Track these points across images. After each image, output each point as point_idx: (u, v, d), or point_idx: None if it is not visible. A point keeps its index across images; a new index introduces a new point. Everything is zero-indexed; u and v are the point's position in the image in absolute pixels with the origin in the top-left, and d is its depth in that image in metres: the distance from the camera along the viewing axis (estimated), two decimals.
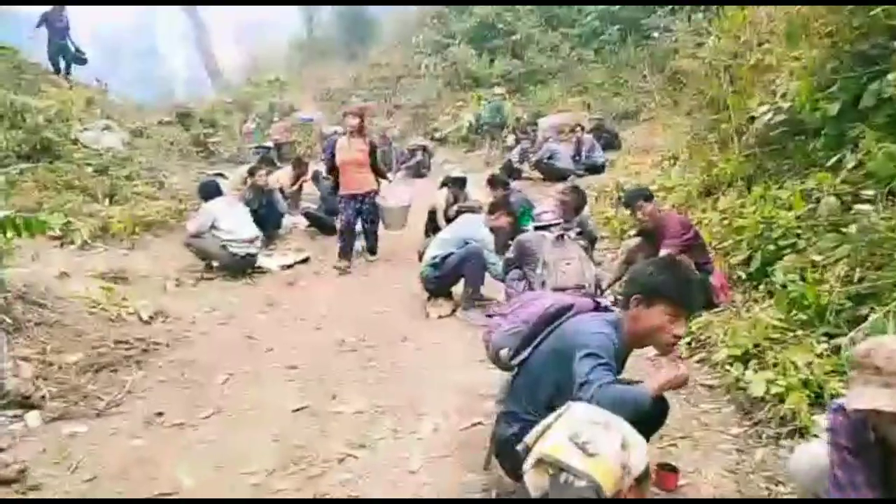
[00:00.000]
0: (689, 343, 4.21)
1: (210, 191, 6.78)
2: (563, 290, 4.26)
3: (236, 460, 3.11)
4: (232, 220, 6.45)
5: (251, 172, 7.98)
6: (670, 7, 16.98)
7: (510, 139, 13.77)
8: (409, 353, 4.55)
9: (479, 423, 3.39)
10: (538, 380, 2.44)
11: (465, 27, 19.97)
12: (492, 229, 5.43)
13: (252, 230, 6.56)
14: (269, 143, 18.25)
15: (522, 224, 7.24)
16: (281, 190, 9.09)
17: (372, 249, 7.29)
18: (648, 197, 5.00)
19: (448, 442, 3.25)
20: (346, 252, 6.93)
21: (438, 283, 5.39)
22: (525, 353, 2.57)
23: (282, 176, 9.52)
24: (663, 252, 4.50)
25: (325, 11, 26.98)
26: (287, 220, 8.03)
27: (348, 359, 4.46)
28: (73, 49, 12.97)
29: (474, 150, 16.57)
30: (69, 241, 6.66)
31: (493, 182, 7.49)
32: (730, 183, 6.78)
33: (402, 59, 20.54)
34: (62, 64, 12.88)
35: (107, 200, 7.84)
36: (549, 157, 11.24)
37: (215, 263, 6.48)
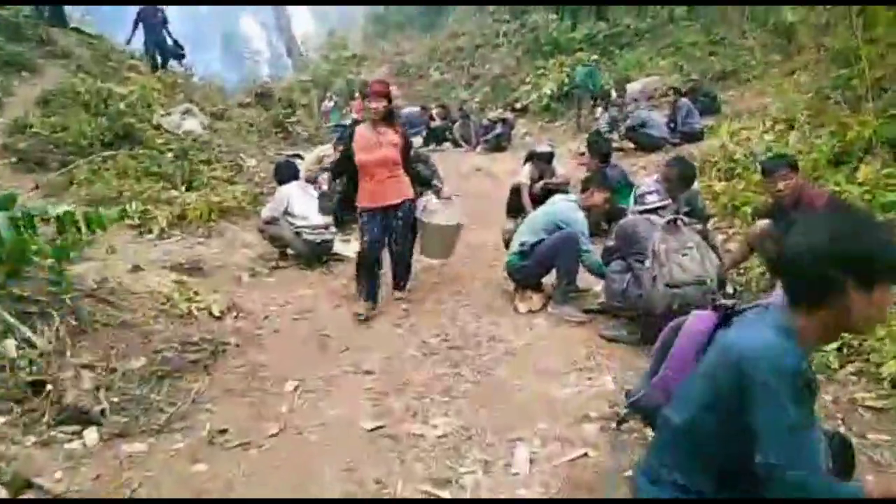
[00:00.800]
0: (839, 349, 3.44)
1: (285, 173, 6.42)
2: (677, 286, 3.58)
3: (304, 492, 2.69)
4: (305, 206, 6.06)
5: (335, 147, 7.58)
6: None
7: (599, 109, 12.83)
8: (498, 357, 3.99)
9: (586, 454, 2.82)
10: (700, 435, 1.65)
11: None
12: (585, 209, 4.75)
13: (324, 216, 6.16)
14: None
15: (620, 202, 6.55)
16: None
17: (401, 281, 5.28)
18: (794, 166, 4.17)
19: (548, 478, 2.69)
20: (369, 292, 4.92)
21: (527, 272, 4.79)
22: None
23: None
24: None
25: None
26: None
27: (429, 364, 3.96)
28: (171, 43, 12.85)
29: (556, 121, 15.71)
30: (147, 229, 6.51)
31: (591, 148, 6.76)
32: (867, 149, 5.79)
33: (480, 27, 19.76)
34: (159, 59, 12.79)
35: (185, 186, 7.67)
36: (642, 125, 10.29)
37: (290, 251, 6.14)
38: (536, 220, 4.87)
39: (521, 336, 4.29)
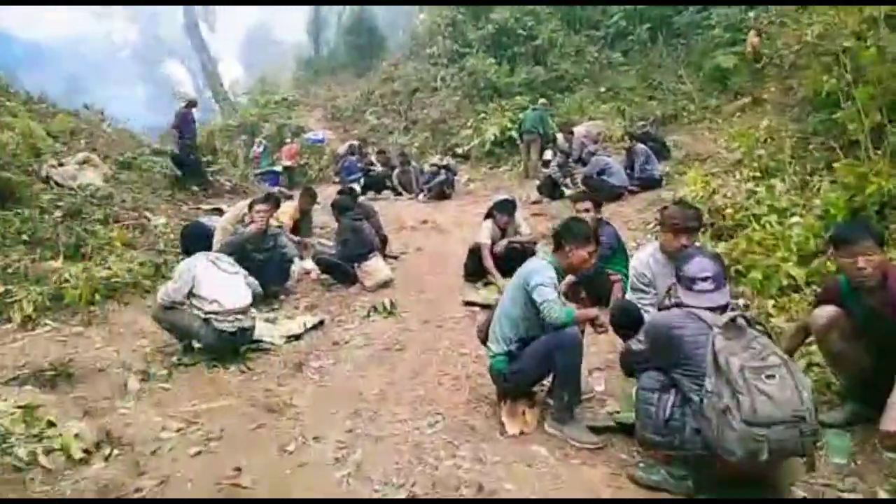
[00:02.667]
0: None
1: (193, 240, 4.97)
2: (765, 425, 2.37)
3: None
4: (217, 284, 4.62)
5: (250, 207, 6.15)
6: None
7: (548, 153, 11.90)
8: None
9: None
10: None
11: (481, 34, 18.08)
12: (568, 268, 3.57)
13: (244, 296, 4.73)
14: (278, 168, 16.65)
15: (610, 268, 5.41)
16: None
17: None
18: (880, 238, 3.03)
19: None
20: None
21: (517, 380, 3.51)
22: None
23: (288, 211, 7.71)
24: None
25: (333, 25, 25.37)
26: (296, 267, 6.15)
27: None
28: None
29: (500, 167, 14.76)
30: (5, 318, 4.89)
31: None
32: (884, 203, 4.89)
33: (416, 71, 18.78)
34: None
35: (67, 255, 6.04)
36: (601, 172, 9.35)
37: (197, 343, 4.64)
38: (510, 300, 3.60)
39: (518, 480, 2.97)
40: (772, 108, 8.86)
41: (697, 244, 3.88)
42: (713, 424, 2.47)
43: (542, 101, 13.73)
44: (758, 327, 2.71)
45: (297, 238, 7.55)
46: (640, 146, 9.76)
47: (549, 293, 3.27)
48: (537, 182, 11.23)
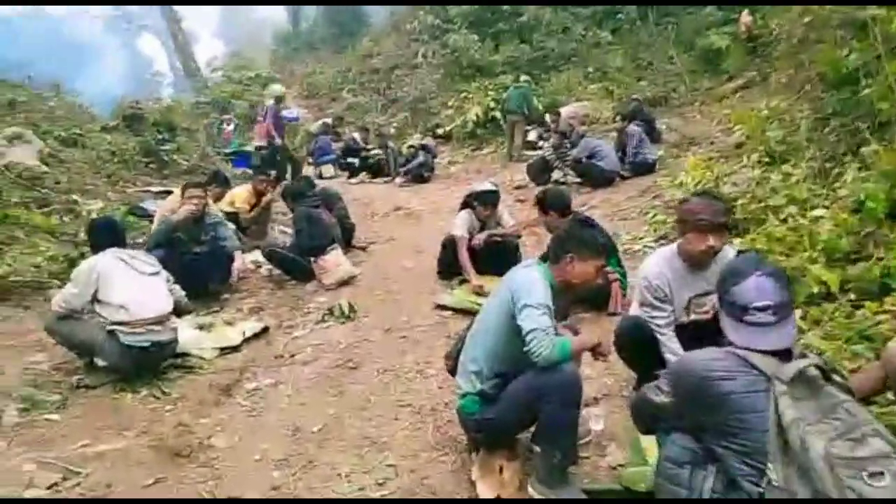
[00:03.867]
0: None
1: (100, 233, 4.00)
2: None
3: None
4: (128, 287, 3.68)
5: (184, 189, 5.19)
6: None
7: (533, 134, 10.99)
8: None
9: None
10: None
11: (464, 10, 16.97)
12: (565, 284, 2.65)
13: (161, 302, 3.80)
14: (251, 148, 15.54)
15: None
16: (236, 219, 6.34)
17: None
18: None
19: None
20: None
21: (491, 430, 2.62)
22: None
23: (243, 194, 6.74)
24: None
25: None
26: (238, 263, 5.19)
27: None
28: None
29: (483, 148, 13.82)
30: None
31: (545, 203, 4.68)
32: None
33: (396, 48, 17.65)
34: None
35: None
36: (591, 156, 8.46)
37: (101, 361, 3.71)
38: (488, 318, 2.71)
39: None
40: (778, 88, 7.99)
41: (728, 246, 3.01)
42: None
43: (524, 78, 12.78)
44: (837, 381, 1.84)
45: (253, 227, 6.64)
46: (634, 127, 8.87)
47: (540, 320, 2.38)
48: (522, 164, 10.34)
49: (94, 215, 6.51)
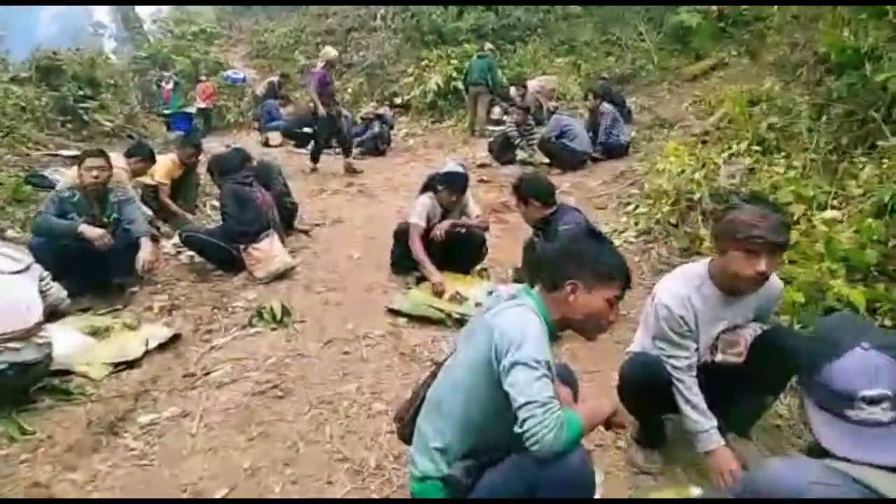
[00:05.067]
0: None
1: None
2: None
3: None
4: None
5: (80, 161, 4.15)
6: None
7: (497, 110, 10.15)
8: None
9: None
10: None
11: None
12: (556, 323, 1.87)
13: (25, 309, 2.85)
14: (192, 109, 14.22)
15: None
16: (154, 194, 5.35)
17: None
18: None
19: None
20: None
21: None
22: None
23: (165, 165, 5.71)
24: None
25: None
26: (144, 253, 4.20)
27: None
28: None
29: (443, 121, 12.92)
30: None
31: (520, 190, 3.89)
32: None
33: (354, 8, 16.36)
34: None
35: None
36: (560, 135, 7.71)
37: None
38: (459, 376, 1.88)
39: None
40: (765, 70, 7.38)
41: (775, 274, 2.28)
42: None
43: (488, 46, 11.90)
44: None
45: (172, 206, 5.65)
46: (607, 106, 8.15)
47: (538, 387, 1.59)
48: (486, 140, 9.52)
49: None
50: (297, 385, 3.17)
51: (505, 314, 1.78)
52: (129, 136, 8.68)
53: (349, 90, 14.39)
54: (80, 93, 8.64)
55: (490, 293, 1.98)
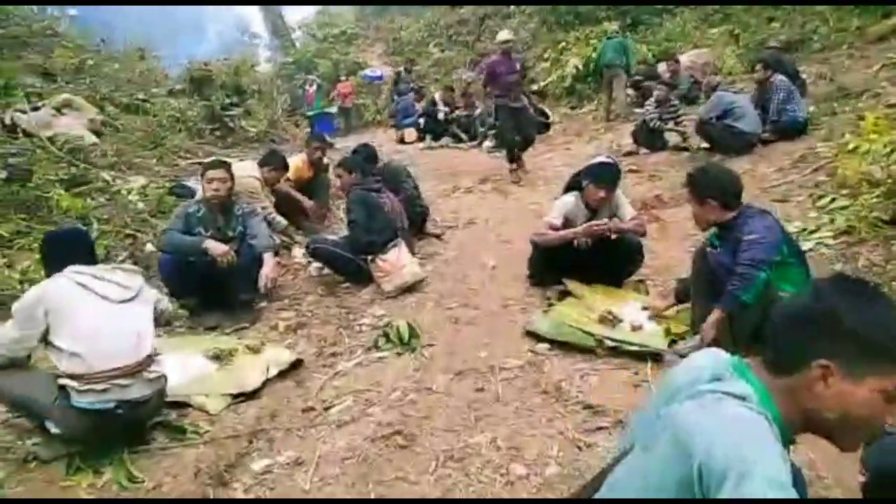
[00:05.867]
0: None
1: (56, 248, 2.81)
2: None
3: None
4: (86, 325, 2.53)
5: (203, 173, 4.00)
6: None
7: (630, 91, 9.14)
8: None
9: None
10: None
11: None
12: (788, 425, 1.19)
13: (134, 344, 2.61)
14: (332, 109, 14.51)
15: (784, 287, 2.90)
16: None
17: None
18: None
19: None
20: None
21: None
22: None
23: (295, 164, 5.53)
24: None
25: None
26: (267, 269, 3.91)
27: None
28: None
29: (582, 107, 11.98)
30: None
31: (701, 187, 3.08)
32: None
33: None
34: None
35: None
36: (723, 115, 6.59)
37: (53, 427, 2.59)
38: (640, 484, 1.24)
39: None
40: None
41: None
42: None
43: (613, 29, 10.82)
44: None
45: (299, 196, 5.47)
46: (780, 77, 6.84)
47: None
48: (627, 126, 8.56)
49: (131, 196, 5.55)
50: (422, 430, 2.68)
51: (710, 412, 1.11)
52: (271, 140, 8.83)
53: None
54: (227, 101, 8.90)
55: (680, 355, 1.31)
